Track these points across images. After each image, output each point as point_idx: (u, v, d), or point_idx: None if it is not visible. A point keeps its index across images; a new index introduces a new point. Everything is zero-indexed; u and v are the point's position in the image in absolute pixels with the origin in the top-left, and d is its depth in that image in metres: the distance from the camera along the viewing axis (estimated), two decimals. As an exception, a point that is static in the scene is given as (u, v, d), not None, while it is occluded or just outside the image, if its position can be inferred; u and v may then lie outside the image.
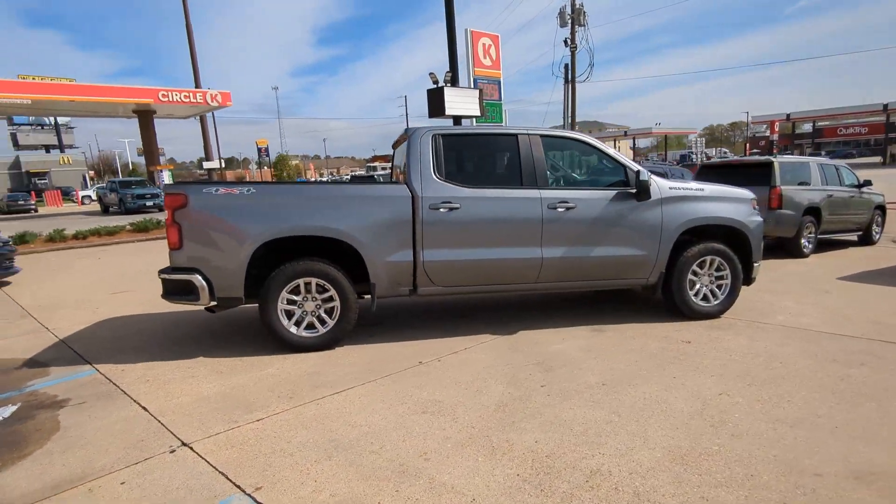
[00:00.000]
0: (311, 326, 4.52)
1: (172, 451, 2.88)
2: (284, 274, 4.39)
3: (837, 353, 4.08)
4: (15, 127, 64.33)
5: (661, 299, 5.32)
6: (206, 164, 38.34)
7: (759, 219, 5.30)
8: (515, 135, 4.89)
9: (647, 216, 4.92)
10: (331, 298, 4.51)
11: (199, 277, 4.29)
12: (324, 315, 4.54)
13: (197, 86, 29.76)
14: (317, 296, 4.50)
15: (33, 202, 35.77)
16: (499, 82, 25.82)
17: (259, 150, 62.74)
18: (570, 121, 26.82)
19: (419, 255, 4.56)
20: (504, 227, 4.71)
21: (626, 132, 52.90)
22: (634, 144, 50.05)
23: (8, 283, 8.60)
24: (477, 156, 5.07)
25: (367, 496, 2.41)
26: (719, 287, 5.20)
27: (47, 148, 66.23)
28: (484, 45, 25.49)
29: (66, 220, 20.13)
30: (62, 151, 67.87)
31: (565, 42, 26.34)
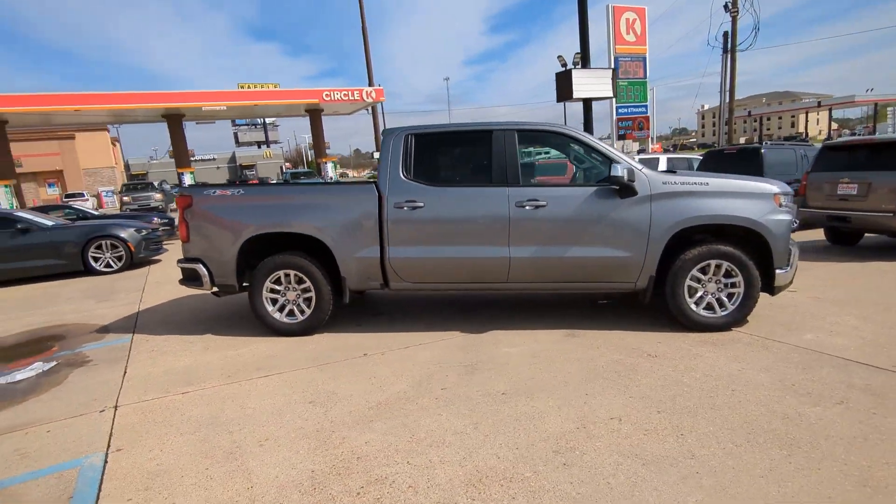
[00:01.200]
0: (292, 314, 5.01)
1: (101, 412, 3.56)
2: (267, 266, 4.92)
3: (824, 386, 3.34)
4: (237, 127, 77.75)
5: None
6: (377, 155, 41.87)
7: (785, 217, 4.43)
8: (490, 131, 4.77)
9: (633, 214, 4.46)
10: (308, 289, 4.93)
11: (202, 267, 5.02)
12: (302, 304, 4.98)
13: (370, 83, 32.43)
14: (296, 286, 4.96)
15: (237, 191, 42.94)
16: (644, 59, 24.07)
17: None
18: (727, 96, 23.72)
19: (386, 251, 4.75)
20: (468, 225, 4.66)
21: (819, 102, 44.22)
22: (831, 116, 41.86)
23: (158, 261, 10.67)
24: (449, 154, 5.04)
25: (180, 469, 2.77)
26: (730, 297, 4.50)
27: (259, 144, 78.60)
28: (628, 19, 23.90)
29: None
30: (268, 147, 79.66)
31: (725, 7, 23.29)
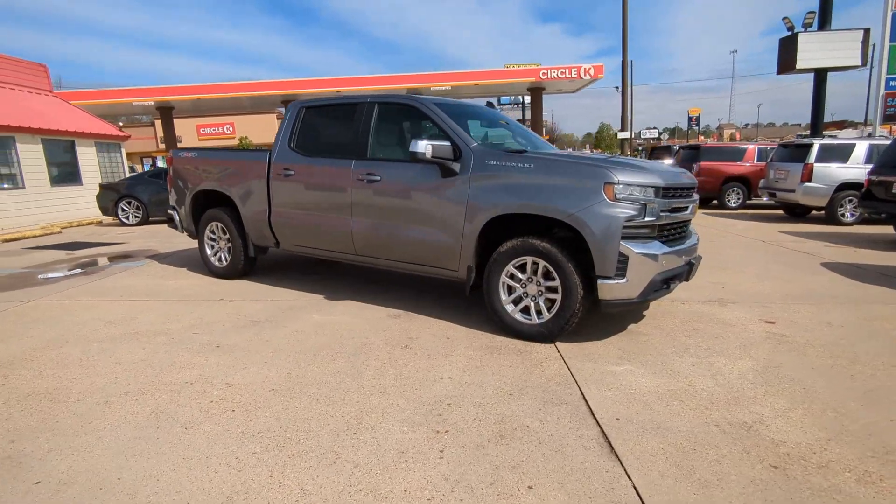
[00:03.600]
0: (220, 260, 5.93)
1: (22, 301, 5.03)
2: (205, 218, 5.92)
3: (461, 415, 2.78)
4: (501, 106, 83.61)
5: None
6: (621, 135, 39.99)
7: (616, 212, 3.43)
8: (355, 104, 4.82)
9: (451, 195, 4.07)
10: (230, 240, 5.77)
11: (175, 214, 6.30)
12: (226, 253, 5.85)
13: (624, 60, 30.55)
14: (223, 236, 5.84)
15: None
16: (948, 12, 17.79)
17: (689, 119, 61.52)
18: None
19: (271, 213, 5.26)
20: (320, 195, 4.87)
21: None
22: None
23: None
24: (326, 126, 5.13)
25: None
26: (550, 303, 3.77)
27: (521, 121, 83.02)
28: (932, -39, 17.94)
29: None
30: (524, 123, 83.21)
31: None
